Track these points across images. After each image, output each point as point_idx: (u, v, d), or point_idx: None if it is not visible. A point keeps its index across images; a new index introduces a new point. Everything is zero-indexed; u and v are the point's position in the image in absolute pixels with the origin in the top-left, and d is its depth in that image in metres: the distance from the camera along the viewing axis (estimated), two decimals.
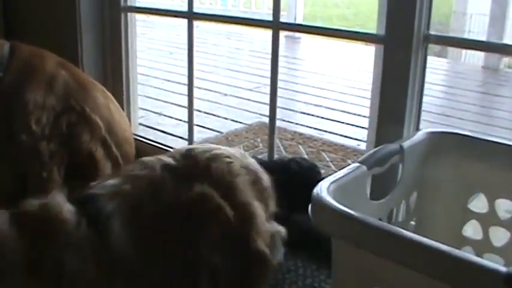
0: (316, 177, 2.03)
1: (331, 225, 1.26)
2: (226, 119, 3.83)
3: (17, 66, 2.26)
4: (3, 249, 0.85)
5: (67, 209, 0.93)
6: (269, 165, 2.05)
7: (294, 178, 1.98)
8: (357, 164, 1.52)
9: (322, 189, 1.31)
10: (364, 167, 1.51)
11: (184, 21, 2.61)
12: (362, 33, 2.18)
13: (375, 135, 2.06)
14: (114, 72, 2.98)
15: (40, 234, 0.88)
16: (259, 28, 3.90)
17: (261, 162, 2.07)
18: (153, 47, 6.50)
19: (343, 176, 1.42)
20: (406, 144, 1.70)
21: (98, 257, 0.89)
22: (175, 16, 3.11)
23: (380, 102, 2.01)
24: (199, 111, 3.58)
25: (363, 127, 3.66)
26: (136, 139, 2.87)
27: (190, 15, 2.57)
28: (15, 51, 2.27)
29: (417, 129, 2.00)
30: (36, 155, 2.29)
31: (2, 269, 0.84)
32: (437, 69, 5.96)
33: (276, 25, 2.25)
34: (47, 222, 0.90)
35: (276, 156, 2.44)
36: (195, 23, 2.61)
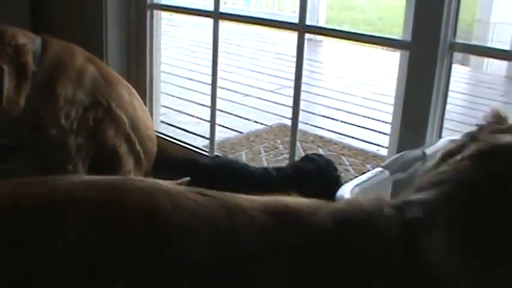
0: (334, 174, 2.04)
1: None
2: (247, 119, 3.84)
3: (49, 60, 2.28)
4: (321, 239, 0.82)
5: (381, 213, 0.84)
6: (287, 171, 2.07)
7: (312, 177, 1.99)
8: (380, 169, 1.52)
9: (346, 192, 1.32)
10: (387, 172, 1.51)
11: (207, 20, 2.61)
12: (388, 38, 2.19)
13: (396, 141, 2.06)
14: (138, 69, 3.01)
15: (349, 235, 0.83)
16: (284, 30, 3.90)
17: (277, 169, 2.09)
18: (175, 45, 6.54)
19: (366, 180, 1.43)
20: (429, 150, 1.71)
21: (403, 273, 0.79)
22: (201, 15, 3.12)
23: (403, 108, 2.01)
24: (221, 110, 3.60)
25: (383, 132, 3.65)
26: (157, 136, 2.89)
27: (217, 15, 2.58)
28: (46, 45, 2.30)
29: (439, 136, 2.00)
30: (63, 148, 2.32)
31: (313, 262, 0.80)
32: (459, 77, 5.92)
33: (301, 27, 2.26)
34: (358, 224, 0.83)
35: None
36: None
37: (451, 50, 1.93)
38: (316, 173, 2.00)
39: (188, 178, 2.18)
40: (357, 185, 1.38)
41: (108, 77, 2.45)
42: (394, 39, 2.13)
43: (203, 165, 2.18)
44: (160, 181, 0.90)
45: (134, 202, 0.84)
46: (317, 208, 0.86)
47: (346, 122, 3.90)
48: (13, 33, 2.19)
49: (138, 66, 3.00)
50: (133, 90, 2.61)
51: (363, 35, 2.24)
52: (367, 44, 3.85)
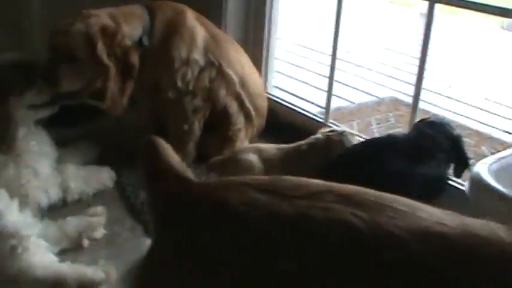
0: (454, 134, 2.01)
1: (490, 206, 1.24)
2: (359, 90, 3.79)
3: (160, 27, 2.28)
4: None
5: None
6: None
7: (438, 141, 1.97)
8: None
9: (483, 169, 1.31)
10: None
11: None
12: None
13: None
14: (256, 34, 2.99)
15: None
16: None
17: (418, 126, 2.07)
18: (284, 11, 6.49)
19: (504, 157, 1.39)
20: None
21: None
22: None
23: None
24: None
25: (498, 115, 3.52)
26: (271, 99, 2.91)
27: None
28: (154, 13, 2.29)
29: None
30: (180, 109, 2.36)
31: None
32: None
33: None
34: None
35: None
36: None
37: None
38: (442, 137, 1.97)
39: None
40: (495, 161, 1.36)
41: (215, 36, 2.43)
42: None
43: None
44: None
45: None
46: None
47: (461, 102, 3.76)
48: (118, 30, 2.14)
49: (255, 31, 3.00)
50: (239, 47, 2.58)
51: (503, 8, 2.11)
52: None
